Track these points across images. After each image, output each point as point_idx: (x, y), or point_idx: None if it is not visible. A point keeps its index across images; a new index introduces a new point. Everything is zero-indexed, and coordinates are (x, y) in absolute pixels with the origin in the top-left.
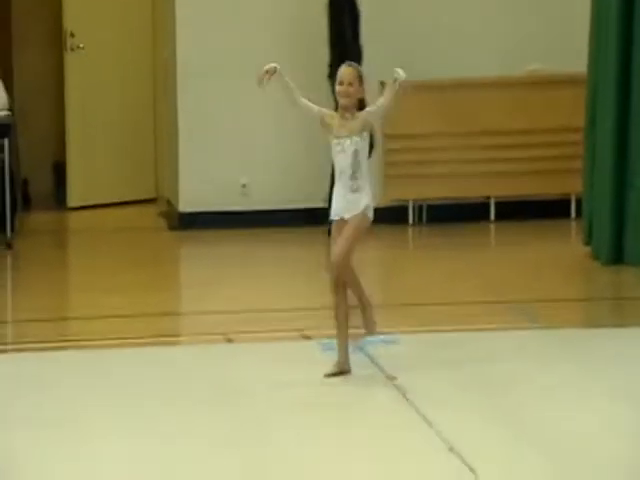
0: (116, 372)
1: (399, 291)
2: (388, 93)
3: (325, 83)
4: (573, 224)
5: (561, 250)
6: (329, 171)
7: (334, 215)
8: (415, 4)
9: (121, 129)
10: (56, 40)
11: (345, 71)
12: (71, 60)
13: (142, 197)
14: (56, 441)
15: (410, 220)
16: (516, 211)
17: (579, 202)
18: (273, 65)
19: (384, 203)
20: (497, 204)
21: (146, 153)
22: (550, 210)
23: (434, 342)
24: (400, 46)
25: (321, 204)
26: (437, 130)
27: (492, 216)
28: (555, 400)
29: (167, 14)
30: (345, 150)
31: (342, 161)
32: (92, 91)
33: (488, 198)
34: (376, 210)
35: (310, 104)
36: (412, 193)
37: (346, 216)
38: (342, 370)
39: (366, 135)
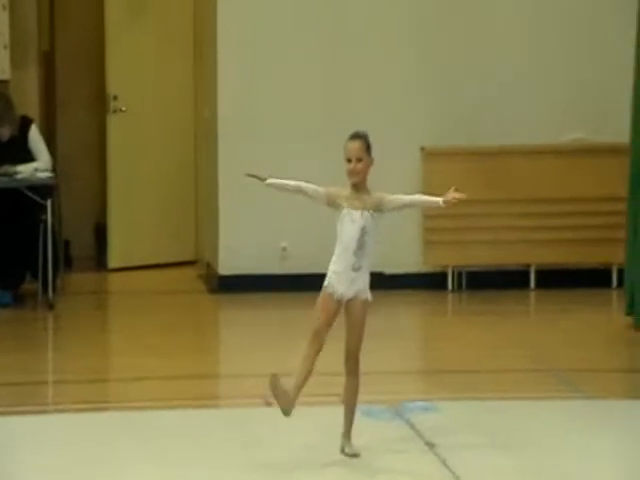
0: (155, 434)
1: (438, 358)
2: (421, 200)
3: None
4: (614, 294)
5: (602, 320)
6: (380, 240)
7: (335, 293)
8: (462, 69)
9: (162, 191)
10: (99, 103)
11: (351, 147)
12: (113, 122)
13: (182, 259)
14: None
15: (449, 286)
16: (557, 279)
17: (621, 272)
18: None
19: (424, 269)
20: (538, 272)
21: (187, 215)
22: (591, 279)
23: (474, 409)
24: (442, 111)
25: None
26: (479, 196)
27: (532, 284)
28: (599, 470)
29: (209, 74)
30: (354, 222)
31: (349, 233)
32: (134, 153)
33: (529, 266)
34: (415, 276)
35: (313, 187)
36: (452, 259)
37: (346, 296)
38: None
39: (377, 217)
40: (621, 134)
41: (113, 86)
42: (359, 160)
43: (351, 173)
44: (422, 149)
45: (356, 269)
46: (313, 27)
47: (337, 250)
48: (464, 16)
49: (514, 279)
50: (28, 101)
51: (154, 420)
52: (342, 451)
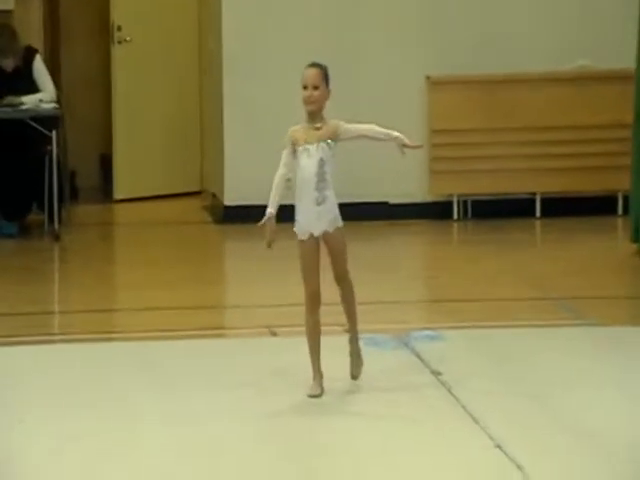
0: (162, 364)
1: (443, 287)
2: (374, 130)
3: None
4: (620, 221)
5: (608, 247)
6: (385, 170)
7: (303, 233)
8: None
9: (167, 122)
10: (103, 33)
11: (309, 73)
12: (118, 53)
13: (188, 190)
14: (102, 429)
15: (455, 215)
16: (562, 207)
17: (626, 199)
18: (266, 219)
19: (429, 198)
20: (543, 200)
21: (192, 146)
22: (597, 207)
23: (479, 338)
24: (446, 40)
25: (372, 198)
26: (483, 126)
27: (538, 212)
28: (603, 397)
29: (213, 6)
30: (311, 156)
31: (307, 168)
32: (139, 84)
33: (534, 194)
34: (420, 205)
35: (285, 158)
36: (457, 188)
37: (316, 232)
38: (321, 392)
39: (334, 145)
40: (626, 60)
41: (117, 16)
42: (315, 88)
43: (307, 100)
44: (427, 78)
45: (320, 202)
46: None
47: (297, 189)
48: None
49: (519, 207)
50: (32, 31)
51: (159, 350)
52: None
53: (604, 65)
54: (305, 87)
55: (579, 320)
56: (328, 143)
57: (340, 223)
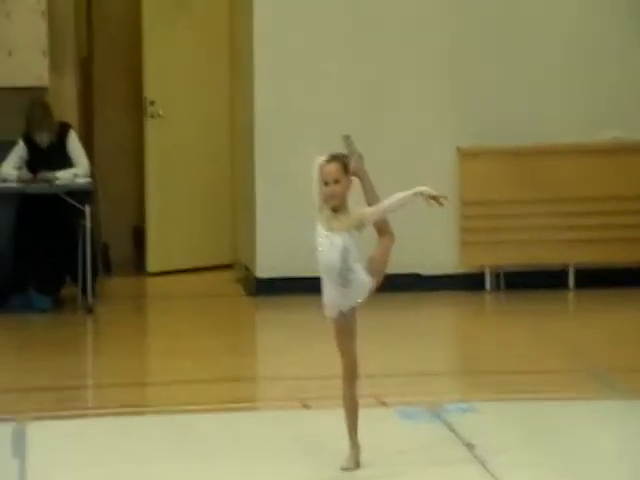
0: (194, 437)
1: (477, 358)
2: (399, 199)
3: None
4: None
5: None
6: (416, 241)
7: (332, 311)
8: (493, 69)
9: (199, 194)
10: (136, 108)
11: (329, 169)
12: (151, 127)
13: (220, 262)
14: None
15: (487, 287)
16: (596, 279)
17: None
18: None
19: (460, 269)
20: (576, 271)
21: (224, 219)
22: (631, 278)
23: (513, 410)
24: (477, 110)
25: (403, 270)
26: (515, 197)
27: (571, 283)
28: (636, 473)
29: (246, 80)
30: (334, 245)
31: (330, 256)
32: (171, 158)
33: (567, 265)
34: (452, 277)
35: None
36: (489, 259)
37: (344, 309)
38: (356, 465)
39: (357, 233)
40: None
41: (150, 91)
42: (337, 182)
43: (329, 197)
44: (458, 149)
45: (345, 286)
46: (349, 35)
47: (322, 273)
48: (497, 12)
49: (552, 279)
50: (66, 107)
51: (191, 423)
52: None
53: (636, 136)
54: (326, 183)
55: (615, 393)
56: (352, 234)
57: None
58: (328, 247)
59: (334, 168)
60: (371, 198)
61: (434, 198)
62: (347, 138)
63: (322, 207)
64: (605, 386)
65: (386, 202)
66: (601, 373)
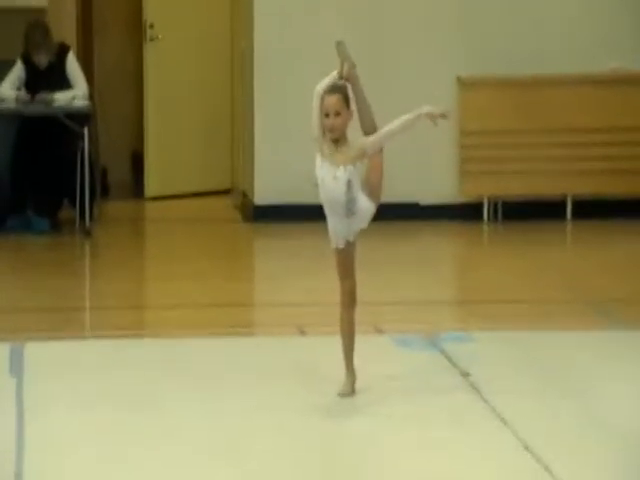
0: (192, 361)
1: (474, 288)
2: (402, 123)
3: None
4: None
5: None
6: (416, 171)
7: (338, 241)
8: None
9: (199, 120)
10: (135, 31)
11: (330, 101)
12: (150, 51)
13: (218, 188)
14: (132, 421)
15: (485, 217)
16: (594, 210)
17: None
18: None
19: (459, 199)
20: (574, 202)
21: (223, 145)
22: (629, 209)
23: (510, 340)
24: (478, 41)
25: (403, 199)
26: (514, 127)
27: (569, 214)
28: (633, 402)
29: (245, 4)
30: (337, 179)
31: (335, 190)
32: (170, 82)
33: (565, 196)
34: (451, 206)
35: (315, 120)
36: (488, 189)
37: (350, 238)
38: (352, 391)
39: (360, 165)
40: None
41: (150, 14)
42: (337, 114)
43: (330, 128)
44: (458, 78)
45: (350, 216)
46: None
47: (326, 205)
48: None
49: (551, 209)
50: (65, 28)
51: (189, 347)
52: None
53: (637, 67)
54: (327, 115)
55: (612, 323)
56: (355, 165)
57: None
58: (331, 180)
59: (335, 100)
60: (362, 108)
61: (436, 116)
62: (340, 44)
63: (321, 137)
64: (603, 317)
65: (387, 128)
66: (599, 304)
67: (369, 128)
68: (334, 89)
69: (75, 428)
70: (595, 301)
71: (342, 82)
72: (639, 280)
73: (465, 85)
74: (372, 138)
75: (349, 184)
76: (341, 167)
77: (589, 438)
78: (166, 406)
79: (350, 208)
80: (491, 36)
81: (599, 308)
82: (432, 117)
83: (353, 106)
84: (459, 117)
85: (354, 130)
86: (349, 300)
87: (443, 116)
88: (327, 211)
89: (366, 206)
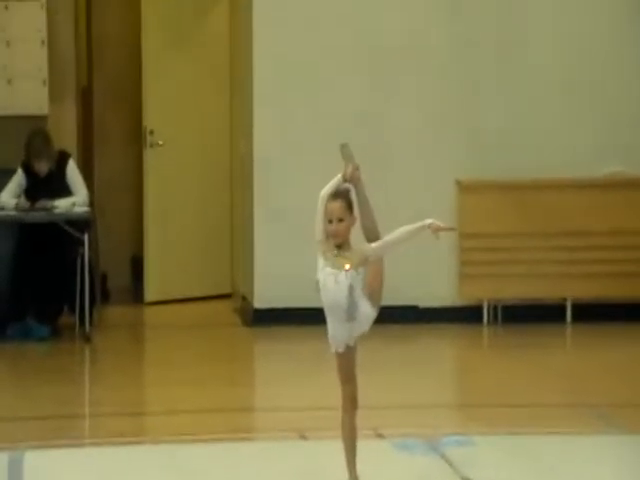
0: (191, 467)
1: (474, 392)
2: (403, 233)
3: None
4: None
5: None
6: (415, 273)
7: (338, 345)
8: (497, 102)
9: (198, 225)
10: (136, 137)
11: (332, 207)
12: (150, 157)
13: (218, 292)
14: None
15: (485, 320)
16: (594, 313)
17: None
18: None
19: (459, 302)
20: (574, 306)
21: (222, 249)
22: (629, 313)
23: (510, 444)
24: (477, 144)
25: (402, 302)
26: (514, 230)
27: (569, 318)
28: None
29: (245, 109)
30: (339, 283)
31: (336, 294)
32: (170, 187)
33: (565, 299)
34: (450, 309)
35: (319, 230)
36: (488, 292)
37: (351, 343)
38: None
39: (362, 270)
40: None
41: (150, 120)
42: (340, 220)
43: (334, 234)
44: (457, 182)
45: (351, 320)
46: (347, 64)
47: (326, 308)
48: (496, 44)
49: (551, 313)
50: (66, 136)
51: (188, 453)
52: None
53: (637, 171)
54: (330, 221)
55: (612, 428)
56: (357, 271)
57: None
58: (333, 284)
59: (338, 206)
60: (364, 209)
61: (440, 229)
62: (345, 146)
63: (324, 241)
64: (603, 421)
65: (391, 236)
66: (599, 408)
67: (370, 229)
68: (337, 195)
69: None
70: (595, 405)
71: (345, 186)
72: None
73: (464, 188)
74: (375, 245)
75: (351, 289)
76: (343, 272)
77: None
78: None
79: (351, 313)
80: (490, 140)
81: (599, 412)
82: (436, 230)
83: (356, 210)
84: (459, 220)
85: (355, 229)
86: (350, 404)
87: (450, 229)
88: (328, 315)
89: (367, 311)
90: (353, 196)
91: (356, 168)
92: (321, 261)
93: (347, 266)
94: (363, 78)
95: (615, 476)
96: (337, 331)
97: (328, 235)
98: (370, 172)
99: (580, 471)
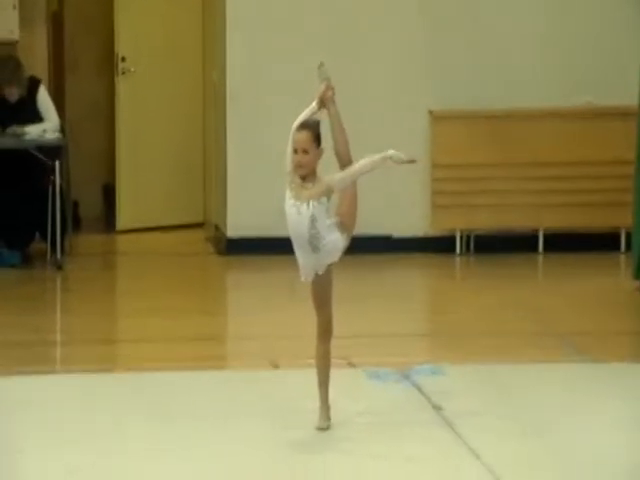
0: (162, 396)
1: (446, 322)
2: (366, 164)
3: None
4: (622, 257)
5: (610, 283)
6: (388, 204)
7: (307, 274)
8: (466, 33)
9: (170, 153)
10: (107, 64)
11: (299, 137)
12: (122, 83)
13: (190, 221)
14: (101, 461)
15: (457, 250)
16: (565, 243)
17: (629, 236)
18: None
19: (432, 232)
20: (546, 236)
21: (195, 177)
22: (599, 243)
23: (481, 373)
24: (450, 74)
25: (375, 232)
26: (486, 160)
27: (540, 248)
28: (602, 435)
29: (217, 36)
30: (301, 214)
31: (299, 225)
32: (142, 114)
33: (537, 229)
34: (423, 239)
35: (289, 158)
36: (460, 223)
37: (320, 271)
38: (329, 425)
39: (325, 200)
40: (629, 97)
41: (122, 47)
42: (305, 152)
43: (297, 165)
44: (430, 112)
45: (316, 251)
46: (324, 11)
47: (292, 239)
48: None
49: (522, 243)
50: (36, 62)
51: (159, 382)
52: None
53: (608, 102)
54: (295, 151)
55: (580, 356)
56: (319, 201)
57: (336, 257)
58: (296, 216)
59: (304, 137)
60: (337, 133)
61: (405, 161)
62: (321, 65)
63: (292, 173)
64: (572, 349)
65: (354, 167)
66: (569, 337)
67: (342, 155)
68: (304, 126)
69: (43, 465)
70: (564, 333)
71: (315, 118)
72: (608, 313)
73: (437, 119)
74: (338, 176)
75: (313, 220)
76: (305, 203)
77: (559, 472)
78: (135, 444)
79: (314, 244)
80: (463, 70)
81: (569, 341)
82: (398, 162)
83: (324, 144)
84: (431, 150)
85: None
86: (324, 332)
87: (410, 162)
88: (294, 245)
89: (334, 240)
90: (326, 116)
91: (330, 88)
92: (287, 192)
93: (305, 204)
94: (337, 13)
95: (584, 403)
96: (304, 261)
97: (292, 163)
98: (342, 104)
99: (550, 399)
